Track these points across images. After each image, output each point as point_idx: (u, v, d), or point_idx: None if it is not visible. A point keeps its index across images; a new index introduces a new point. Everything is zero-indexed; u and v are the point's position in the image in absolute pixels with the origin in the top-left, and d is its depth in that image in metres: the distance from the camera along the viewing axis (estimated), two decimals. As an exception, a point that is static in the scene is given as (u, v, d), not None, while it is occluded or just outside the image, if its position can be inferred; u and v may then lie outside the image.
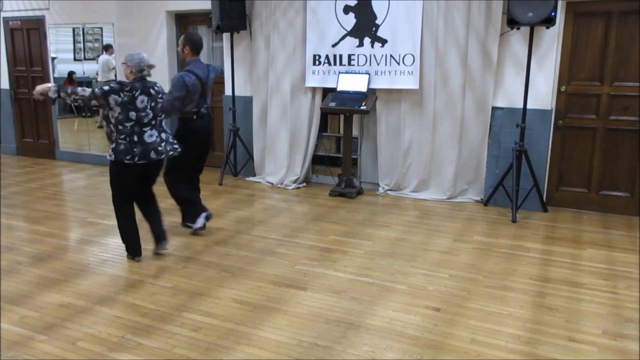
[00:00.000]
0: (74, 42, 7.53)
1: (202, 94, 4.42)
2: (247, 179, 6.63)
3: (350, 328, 3.02)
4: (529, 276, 3.74)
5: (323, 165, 6.44)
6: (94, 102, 3.69)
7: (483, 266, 3.92)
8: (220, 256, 4.12)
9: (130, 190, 3.96)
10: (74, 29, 7.47)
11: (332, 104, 5.70)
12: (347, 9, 5.73)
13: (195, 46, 4.42)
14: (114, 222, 4.95)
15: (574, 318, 3.15)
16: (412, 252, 4.20)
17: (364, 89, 5.64)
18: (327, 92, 5.98)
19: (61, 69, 7.75)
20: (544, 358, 2.74)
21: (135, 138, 3.74)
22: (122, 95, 3.68)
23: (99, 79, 7.59)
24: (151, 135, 3.80)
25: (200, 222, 4.58)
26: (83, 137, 7.93)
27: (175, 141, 4.01)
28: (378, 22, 5.61)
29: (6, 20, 7.81)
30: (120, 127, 3.75)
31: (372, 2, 5.60)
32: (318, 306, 3.29)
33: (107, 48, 7.32)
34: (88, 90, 3.68)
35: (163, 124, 3.97)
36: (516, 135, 5.11)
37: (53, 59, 7.66)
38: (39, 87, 3.72)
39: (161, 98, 3.90)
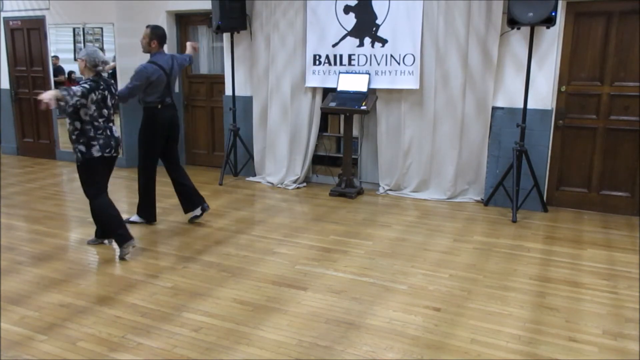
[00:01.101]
0: (74, 42, 7.53)
1: (167, 85, 4.57)
2: (247, 179, 6.63)
3: (351, 328, 3.02)
4: (529, 276, 3.74)
5: (323, 165, 6.44)
6: (83, 100, 3.74)
7: (483, 266, 3.92)
8: (220, 256, 4.12)
9: (104, 181, 4.11)
10: (74, 29, 7.47)
11: (333, 104, 5.70)
12: (347, 9, 5.73)
13: (162, 40, 4.57)
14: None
15: (574, 318, 3.15)
16: (413, 252, 4.20)
17: (364, 89, 5.64)
18: (327, 92, 5.98)
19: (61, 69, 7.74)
20: (544, 358, 2.74)
21: (109, 132, 3.92)
22: (97, 93, 3.81)
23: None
24: (115, 131, 4.00)
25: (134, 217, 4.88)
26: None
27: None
28: (378, 22, 5.61)
29: (6, 20, 7.81)
30: (95, 123, 3.85)
31: (373, 2, 5.60)
32: (318, 306, 3.29)
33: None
34: (79, 90, 3.72)
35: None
36: (516, 135, 5.11)
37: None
38: (49, 94, 3.52)
39: (117, 95, 4.07)
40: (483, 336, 2.94)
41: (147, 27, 4.57)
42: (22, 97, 8.04)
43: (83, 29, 7.40)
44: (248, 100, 6.56)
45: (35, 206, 5.50)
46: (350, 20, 5.74)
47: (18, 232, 4.69)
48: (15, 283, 3.63)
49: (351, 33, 5.76)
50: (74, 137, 3.86)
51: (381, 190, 5.96)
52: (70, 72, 7.84)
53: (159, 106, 4.55)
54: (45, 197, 5.87)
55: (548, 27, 4.74)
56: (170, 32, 7.01)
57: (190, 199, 4.83)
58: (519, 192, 5.10)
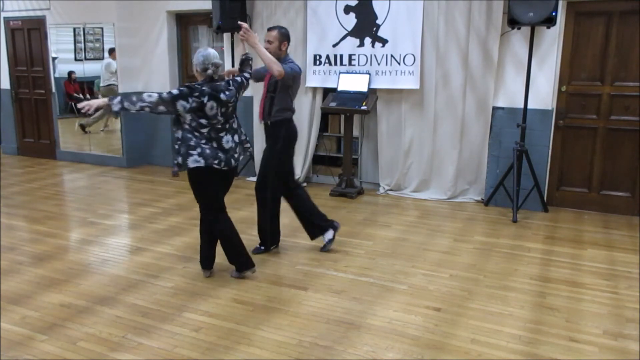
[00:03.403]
0: (75, 42, 7.53)
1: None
2: (247, 179, 6.64)
3: (351, 328, 3.02)
4: (530, 276, 3.74)
5: (324, 165, 6.44)
6: (161, 108, 3.29)
7: (484, 266, 3.92)
8: (221, 256, 4.11)
9: (217, 198, 3.61)
10: (74, 29, 7.47)
11: (333, 104, 5.70)
12: (347, 9, 5.73)
13: (289, 41, 3.99)
14: (114, 222, 4.97)
15: (574, 318, 3.15)
16: (413, 252, 4.20)
17: (364, 89, 5.64)
18: (327, 92, 5.98)
19: (62, 69, 7.75)
20: (545, 358, 2.74)
21: (215, 144, 3.42)
22: (190, 101, 3.30)
23: (100, 84, 7.60)
24: (227, 141, 3.48)
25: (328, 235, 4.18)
26: (84, 137, 7.93)
27: (246, 139, 3.65)
28: (379, 22, 5.61)
29: (7, 20, 7.81)
30: (197, 133, 3.40)
31: (373, 2, 5.60)
32: (319, 306, 3.29)
33: (111, 51, 7.31)
34: (155, 96, 3.27)
35: (236, 124, 3.59)
36: (517, 135, 5.11)
37: (54, 59, 7.67)
38: (94, 102, 3.26)
39: (232, 102, 3.49)
40: (483, 336, 2.93)
41: (273, 29, 3.92)
42: (23, 97, 8.04)
43: (83, 29, 7.41)
44: (249, 100, 6.55)
45: (35, 206, 5.50)
46: (351, 20, 5.74)
47: (18, 232, 4.69)
48: (16, 283, 3.63)
49: (351, 33, 5.76)
50: (176, 146, 3.44)
51: (381, 190, 5.96)
52: (70, 72, 7.84)
53: (292, 116, 3.96)
54: (45, 197, 5.87)
55: (548, 27, 4.74)
56: (171, 33, 7.02)
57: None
58: (520, 192, 5.10)
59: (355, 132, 5.99)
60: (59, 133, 7.87)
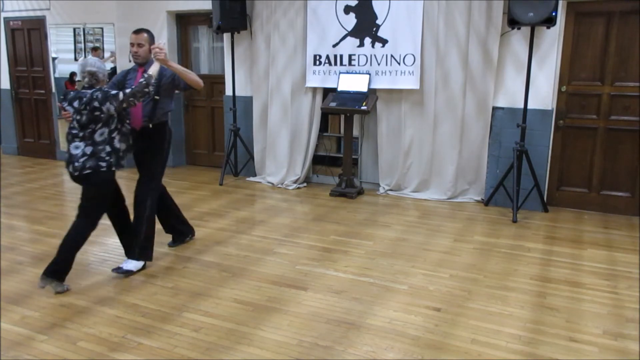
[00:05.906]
0: (75, 42, 7.53)
1: None
2: (247, 179, 6.64)
3: (351, 328, 3.02)
4: (530, 276, 3.74)
5: (324, 165, 6.44)
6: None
7: (484, 266, 3.92)
8: (221, 256, 4.12)
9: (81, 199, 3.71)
10: (74, 29, 7.47)
11: (333, 104, 5.70)
12: (347, 9, 5.73)
13: None
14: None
15: (574, 318, 3.15)
16: (413, 252, 4.20)
17: (364, 89, 5.64)
18: (327, 92, 5.98)
19: (62, 69, 7.75)
20: (545, 358, 2.74)
21: (68, 144, 3.52)
22: (63, 102, 3.52)
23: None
24: (77, 147, 3.46)
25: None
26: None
27: (105, 157, 3.46)
28: (379, 22, 5.61)
29: (7, 21, 7.82)
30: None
31: (373, 2, 5.60)
32: (319, 306, 3.29)
33: (95, 49, 7.29)
34: None
35: (98, 136, 3.45)
36: (517, 135, 5.10)
37: (54, 59, 7.67)
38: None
39: (86, 109, 3.39)
40: (483, 336, 2.94)
41: (141, 31, 3.80)
42: (23, 97, 8.04)
43: (83, 29, 7.40)
44: (248, 100, 6.56)
45: (35, 206, 5.50)
46: (351, 21, 5.74)
47: (18, 232, 4.70)
48: (16, 283, 3.63)
49: (351, 33, 5.76)
50: None
51: (381, 190, 5.96)
52: (72, 74, 7.84)
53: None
54: (45, 197, 5.87)
55: (548, 27, 4.74)
56: (171, 33, 7.02)
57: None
58: (520, 192, 5.10)
59: (355, 132, 5.99)
60: (59, 133, 7.87)
